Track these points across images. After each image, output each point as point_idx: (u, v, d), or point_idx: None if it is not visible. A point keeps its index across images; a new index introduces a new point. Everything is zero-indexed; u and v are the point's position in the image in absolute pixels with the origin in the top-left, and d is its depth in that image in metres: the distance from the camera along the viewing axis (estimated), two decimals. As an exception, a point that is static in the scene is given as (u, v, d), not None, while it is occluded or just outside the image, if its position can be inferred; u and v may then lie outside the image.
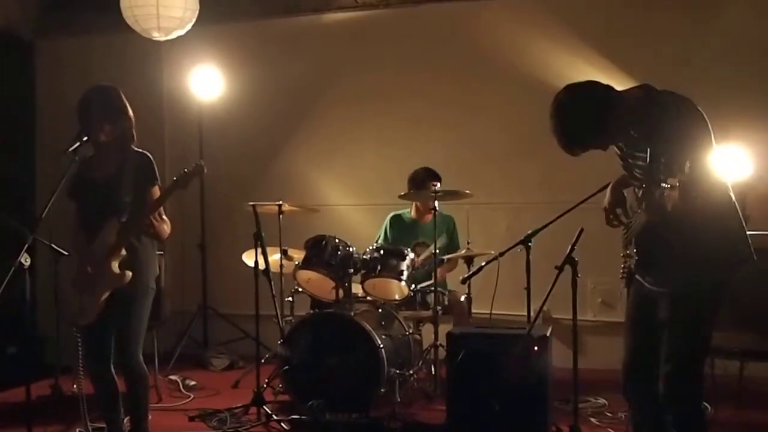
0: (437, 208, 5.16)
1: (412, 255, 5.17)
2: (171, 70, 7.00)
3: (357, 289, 5.21)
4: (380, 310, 5.14)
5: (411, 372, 5.01)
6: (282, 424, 4.58)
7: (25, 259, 3.65)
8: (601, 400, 4.89)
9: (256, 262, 4.74)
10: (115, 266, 3.68)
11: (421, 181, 5.55)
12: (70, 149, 3.68)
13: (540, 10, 6.19)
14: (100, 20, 6.46)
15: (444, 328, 4.80)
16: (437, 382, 5.13)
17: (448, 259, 5.51)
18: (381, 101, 6.60)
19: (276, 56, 6.83)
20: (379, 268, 5.07)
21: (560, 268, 3.46)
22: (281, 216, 5.25)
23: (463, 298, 5.37)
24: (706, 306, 2.94)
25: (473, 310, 5.32)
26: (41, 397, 5.12)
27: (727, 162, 5.11)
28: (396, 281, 5.10)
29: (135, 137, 3.85)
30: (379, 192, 6.33)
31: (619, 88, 3.01)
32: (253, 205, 4.87)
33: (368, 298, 5.20)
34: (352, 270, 5.09)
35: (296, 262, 5.20)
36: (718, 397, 4.56)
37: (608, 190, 3.21)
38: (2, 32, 6.98)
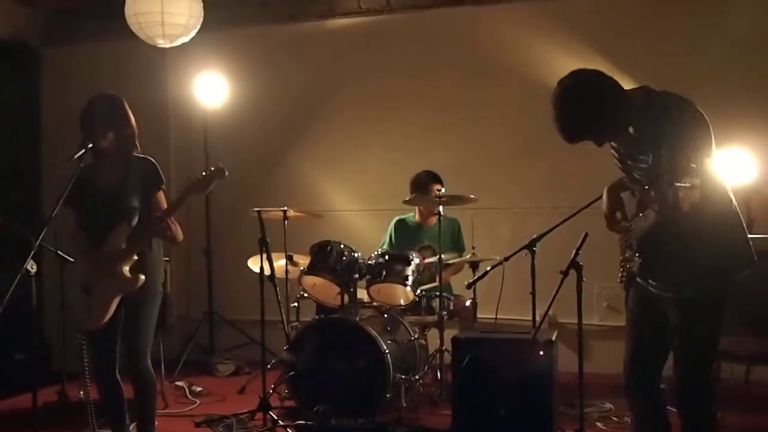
0: (441, 213, 5.16)
1: (417, 260, 5.17)
2: (176, 77, 7.03)
3: (362, 294, 5.21)
4: (385, 316, 5.14)
5: (416, 377, 5.01)
6: (288, 429, 4.58)
7: (32, 266, 3.66)
8: (607, 405, 4.88)
9: (262, 268, 4.75)
10: (126, 270, 3.70)
11: (423, 184, 5.57)
12: (76, 156, 3.70)
13: (544, 15, 6.19)
14: (105, 28, 6.47)
15: (449, 333, 4.79)
16: (443, 387, 5.13)
17: (453, 263, 5.52)
18: (385, 106, 6.61)
19: (280, 62, 6.85)
20: (384, 273, 5.07)
21: (565, 273, 3.46)
22: (286, 222, 5.26)
23: (468, 303, 5.36)
24: (711, 310, 2.93)
25: (479, 315, 5.32)
26: (48, 403, 5.13)
27: (731, 165, 5.11)
28: (401, 286, 5.10)
29: (138, 146, 3.87)
30: (384, 197, 6.33)
31: None
32: (258, 211, 4.88)
33: (373, 303, 5.20)
34: (357, 275, 5.10)
35: (301, 268, 5.21)
36: (725, 401, 4.51)
37: (604, 194, 3.21)
38: (9, 40, 7.02)
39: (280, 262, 5.21)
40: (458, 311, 5.45)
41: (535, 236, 4.33)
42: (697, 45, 5.76)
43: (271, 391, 4.93)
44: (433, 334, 5.40)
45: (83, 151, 3.69)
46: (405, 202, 5.44)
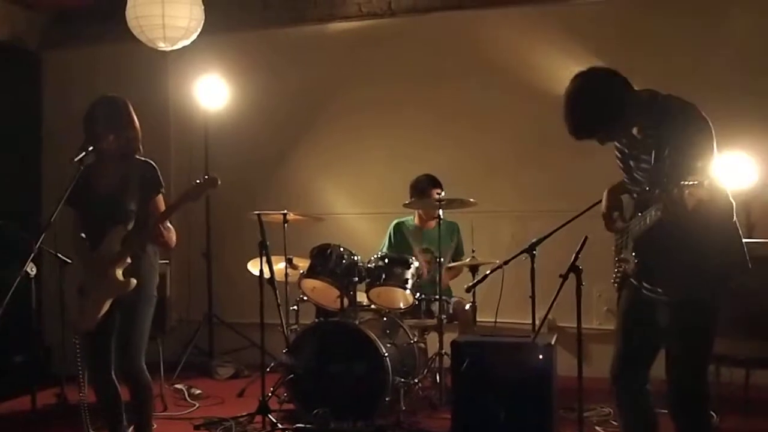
0: (441, 217, 5.17)
1: (416, 263, 5.17)
2: (177, 80, 7.04)
3: (362, 297, 5.22)
4: (385, 319, 5.14)
5: (416, 380, 5.01)
6: (287, 432, 4.59)
7: (31, 269, 3.67)
8: (606, 409, 4.87)
9: (261, 271, 4.75)
10: (119, 273, 3.70)
11: (423, 188, 5.58)
12: (77, 158, 3.70)
13: (545, 19, 6.20)
14: (105, 31, 6.49)
15: (449, 337, 4.79)
16: (442, 391, 5.13)
17: (452, 266, 5.52)
18: (386, 110, 6.61)
19: (281, 65, 6.86)
20: (383, 276, 5.08)
21: (565, 277, 3.46)
22: (286, 225, 5.26)
23: (468, 307, 5.36)
24: (706, 313, 2.93)
25: (478, 319, 5.31)
26: (47, 405, 5.13)
27: (731, 169, 5.11)
28: (401, 290, 5.11)
29: (141, 149, 3.88)
30: (383, 201, 6.33)
31: None
32: (258, 214, 4.89)
33: (373, 306, 5.20)
34: (356, 278, 5.10)
35: (301, 271, 5.21)
36: (724, 405, 4.54)
37: (604, 195, 3.22)
38: (9, 43, 7.03)
39: (279, 266, 5.21)
40: (458, 315, 5.46)
41: (534, 240, 4.33)
42: (698, 51, 5.76)
43: (270, 394, 4.93)
44: (432, 338, 5.39)
45: (84, 153, 3.69)
46: (405, 205, 5.44)
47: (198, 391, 5.63)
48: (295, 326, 5.33)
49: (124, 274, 3.71)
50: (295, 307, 5.41)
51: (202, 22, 5.39)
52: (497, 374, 4.06)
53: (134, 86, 5.99)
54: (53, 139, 7.20)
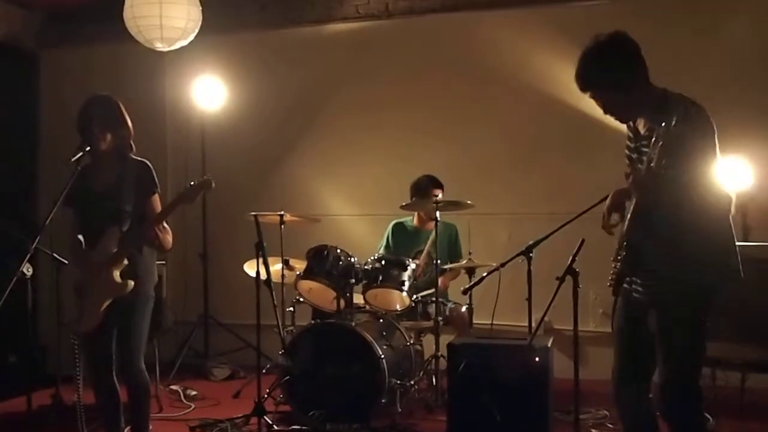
0: (438, 218, 5.17)
1: (413, 265, 5.17)
2: (174, 81, 7.03)
3: (358, 299, 5.22)
4: (381, 321, 5.13)
5: (412, 382, 5.01)
6: (283, 434, 4.59)
7: (27, 269, 3.66)
8: (603, 411, 4.87)
9: (258, 272, 4.74)
10: (116, 275, 3.69)
11: (424, 188, 5.58)
12: (73, 159, 3.69)
13: (541, 22, 6.21)
14: (103, 30, 6.48)
15: (445, 339, 4.79)
16: (438, 393, 5.12)
17: (450, 269, 5.52)
18: (383, 112, 6.61)
19: (278, 67, 6.86)
20: (380, 278, 5.08)
21: (561, 279, 3.45)
22: (283, 226, 5.25)
23: (464, 309, 5.36)
24: (692, 318, 2.92)
25: (474, 321, 5.31)
26: (42, 406, 5.11)
27: (728, 173, 5.12)
28: (397, 291, 5.11)
29: (133, 147, 3.87)
30: (380, 202, 6.34)
31: None
32: (255, 215, 4.88)
33: (369, 308, 5.20)
34: (353, 280, 5.10)
35: (298, 272, 5.21)
36: (720, 409, 4.55)
37: (610, 194, 3.22)
38: (5, 42, 7.01)
39: (276, 267, 5.20)
40: (454, 317, 5.46)
41: (531, 242, 4.33)
42: (693, 54, 5.77)
43: (266, 396, 4.92)
44: (428, 340, 5.39)
45: (80, 153, 3.69)
46: (402, 207, 5.44)
47: (193, 393, 5.62)
48: (292, 328, 5.32)
49: (121, 275, 3.70)
50: (292, 309, 5.40)
51: (200, 23, 5.39)
52: (493, 376, 4.06)
53: (131, 86, 5.99)
54: (49, 138, 7.18)
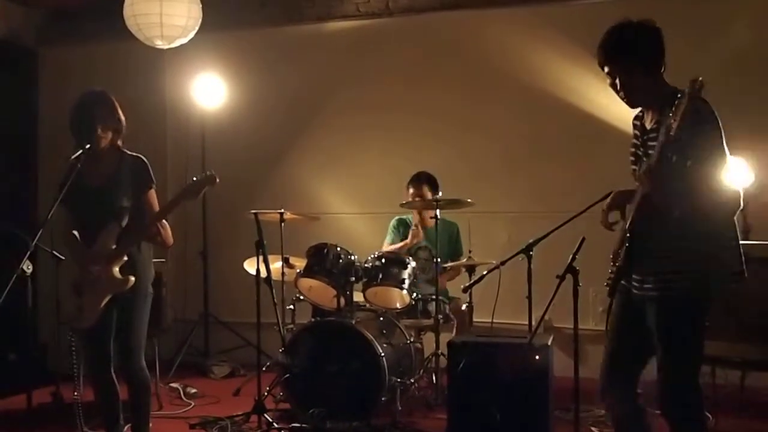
0: (438, 216, 5.17)
1: (413, 263, 5.18)
2: (174, 78, 7.02)
3: (358, 297, 5.22)
4: (381, 319, 5.13)
5: (412, 380, 5.01)
6: (283, 432, 4.59)
7: (27, 267, 3.66)
8: (602, 410, 4.87)
9: (258, 270, 4.75)
10: (116, 271, 3.69)
11: (417, 181, 5.60)
12: (73, 157, 3.68)
13: (543, 20, 6.19)
14: (103, 28, 6.48)
15: (445, 337, 4.80)
16: (438, 391, 5.13)
17: (450, 267, 5.52)
18: (383, 110, 6.61)
19: (279, 65, 6.86)
20: (380, 276, 5.08)
21: (561, 278, 3.45)
22: (283, 224, 5.25)
23: (464, 307, 5.36)
24: (692, 314, 2.91)
25: (475, 319, 5.31)
26: (42, 404, 5.11)
27: (729, 172, 5.11)
28: (397, 289, 5.11)
29: (123, 141, 3.84)
30: (380, 200, 6.33)
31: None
32: (255, 213, 4.88)
33: (369, 306, 5.20)
34: (353, 278, 5.10)
35: (298, 270, 5.21)
36: (720, 407, 4.55)
37: (611, 194, 3.21)
38: (5, 40, 7.01)
39: (276, 265, 5.20)
40: (454, 315, 5.46)
41: (531, 240, 4.32)
42: (696, 53, 5.75)
43: (266, 394, 4.92)
44: (428, 338, 5.39)
45: (81, 152, 3.67)
46: (402, 205, 5.45)
47: (193, 390, 5.62)
48: (292, 326, 5.32)
49: (121, 271, 3.70)
50: (292, 307, 5.40)
51: (200, 20, 5.39)
52: (493, 375, 4.06)
53: (131, 84, 6.00)
54: (49, 136, 7.18)
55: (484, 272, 4.58)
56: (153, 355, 5.20)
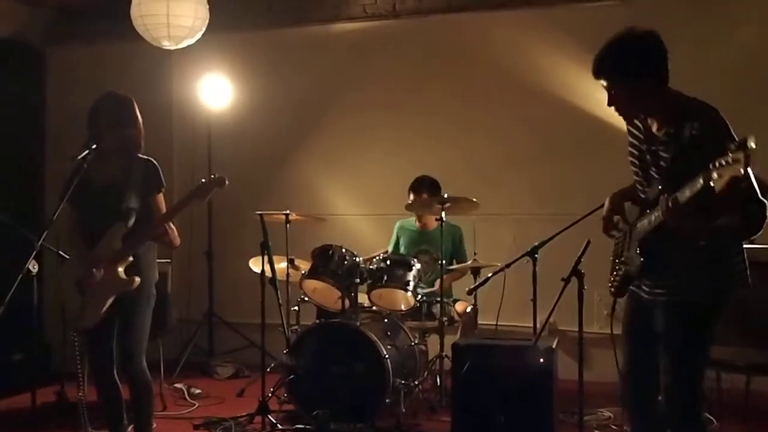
0: (443, 218, 5.17)
1: (418, 265, 5.17)
2: (180, 79, 7.04)
3: (363, 299, 5.22)
4: (386, 320, 5.13)
5: (416, 383, 5.01)
6: (286, 433, 4.59)
7: (33, 266, 3.66)
8: (607, 413, 4.88)
9: (263, 271, 4.75)
10: (121, 271, 3.70)
11: (417, 186, 5.58)
12: (80, 157, 3.69)
13: (550, 23, 6.18)
14: (110, 28, 6.49)
15: (450, 339, 4.79)
16: (442, 393, 5.13)
17: (454, 270, 5.52)
18: (389, 112, 6.61)
19: (285, 66, 6.86)
20: (385, 278, 5.08)
21: (567, 280, 3.45)
22: (288, 225, 5.26)
23: (469, 309, 5.36)
24: (698, 320, 2.88)
25: (479, 321, 5.31)
26: (46, 403, 5.13)
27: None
28: (402, 291, 5.11)
29: (142, 146, 3.87)
30: (386, 202, 6.33)
31: None
32: (261, 214, 4.89)
33: (374, 308, 5.20)
34: (358, 280, 5.10)
35: (303, 272, 5.21)
36: (724, 412, 4.54)
37: (607, 199, 3.20)
38: (12, 40, 7.02)
39: (281, 266, 5.21)
40: (459, 317, 5.45)
41: (536, 243, 4.33)
42: (704, 57, 5.76)
43: (270, 395, 4.93)
44: (433, 340, 5.39)
45: (87, 152, 3.68)
46: (407, 207, 5.45)
47: (198, 391, 5.63)
48: (296, 327, 5.33)
49: (126, 271, 3.70)
50: (296, 308, 5.41)
51: (207, 21, 5.40)
52: (498, 377, 4.06)
53: (138, 84, 5.98)
54: (56, 135, 7.19)
55: (489, 275, 4.58)
56: (157, 355, 5.22)
